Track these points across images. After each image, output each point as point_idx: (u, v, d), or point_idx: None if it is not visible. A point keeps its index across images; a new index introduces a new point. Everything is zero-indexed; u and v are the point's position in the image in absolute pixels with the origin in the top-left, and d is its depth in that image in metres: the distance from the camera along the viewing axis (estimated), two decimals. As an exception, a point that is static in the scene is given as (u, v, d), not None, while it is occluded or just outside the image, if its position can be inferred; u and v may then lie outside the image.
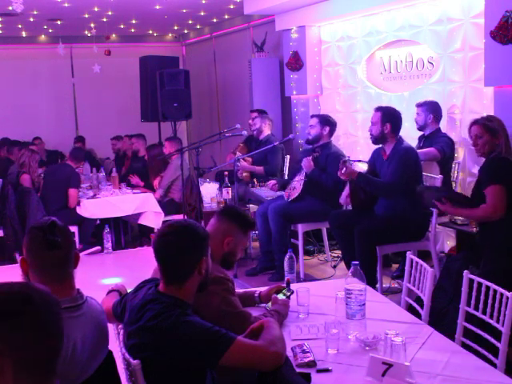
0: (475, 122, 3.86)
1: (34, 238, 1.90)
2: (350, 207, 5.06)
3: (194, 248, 2.09)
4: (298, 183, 5.40)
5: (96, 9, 7.96)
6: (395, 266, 5.46)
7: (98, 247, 5.59)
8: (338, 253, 5.88)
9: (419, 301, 3.05)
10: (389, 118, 4.61)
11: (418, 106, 5.27)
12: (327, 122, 5.49)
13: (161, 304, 2.02)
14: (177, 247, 2.07)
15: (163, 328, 1.95)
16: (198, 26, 10.46)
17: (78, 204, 6.52)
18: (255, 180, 6.17)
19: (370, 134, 4.71)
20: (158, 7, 7.99)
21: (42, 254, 1.89)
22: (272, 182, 5.83)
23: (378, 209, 4.73)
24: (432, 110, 5.19)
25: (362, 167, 5.05)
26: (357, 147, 6.79)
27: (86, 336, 1.89)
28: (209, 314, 2.16)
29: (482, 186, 3.74)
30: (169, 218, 6.48)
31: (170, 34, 11.39)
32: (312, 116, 5.73)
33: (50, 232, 1.89)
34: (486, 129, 3.78)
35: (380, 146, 4.76)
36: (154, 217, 6.64)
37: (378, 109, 4.73)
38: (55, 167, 7.03)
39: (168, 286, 2.09)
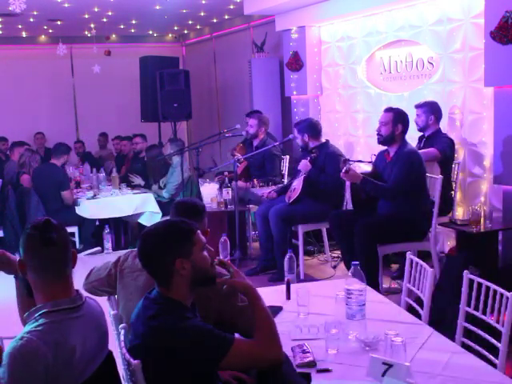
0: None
1: (30, 236, 1.91)
2: (350, 207, 5.05)
3: (160, 251, 2.03)
4: (298, 184, 5.39)
5: (96, 9, 7.96)
6: (395, 266, 5.45)
7: (99, 248, 5.59)
8: (338, 253, 5.87)
9: (419, 301, 3.05)
10: (401, 119, 4.57)
11: (418, 107, 5.21)
12: (306, 130, 5.47)
13: (158, 305, 2.01)
14: (145, 253, 2.07)
15: (163, 330, 1.94)
16: (198, 27, 10.46)
17: (78, 204, 6.51)
18: (255, 180, 6.15)
19: (378, 134, 4.62)
20: (158, 7, 7.99)
21: (39, 252, 1.90)
22: (266, 191, 5.79)
23: (380, 208, 4.72)
24: (432, 110, 5.16)
25: (363, 168, 5.04)
26: (357, 147, 6.79)
27: (85, 337, 1.89)
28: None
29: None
30: (168, 218, 6.45)
31: (170, 35, 11.39)
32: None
33: (44, 229, 1.90)
34: None
35: (385, 148, 4.74)
36: (153, 217, 6.64)
37: (389, 109, 4.70)
38: (41, 168, 6.74)
39: (159, 287, 2.06)
